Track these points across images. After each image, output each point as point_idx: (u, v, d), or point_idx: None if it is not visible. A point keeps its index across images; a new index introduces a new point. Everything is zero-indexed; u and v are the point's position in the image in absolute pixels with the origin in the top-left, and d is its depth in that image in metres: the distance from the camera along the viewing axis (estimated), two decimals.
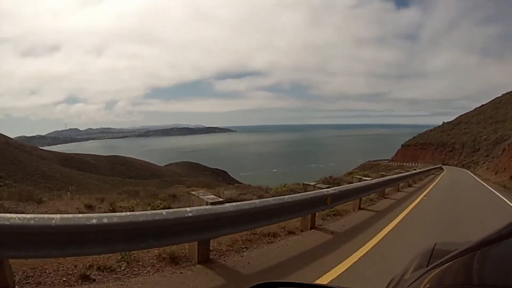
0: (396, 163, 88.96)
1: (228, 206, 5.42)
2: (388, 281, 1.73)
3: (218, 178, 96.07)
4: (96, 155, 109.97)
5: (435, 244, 1.93)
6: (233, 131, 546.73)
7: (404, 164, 78.80)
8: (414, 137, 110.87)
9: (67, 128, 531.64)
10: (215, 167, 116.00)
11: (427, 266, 1.42)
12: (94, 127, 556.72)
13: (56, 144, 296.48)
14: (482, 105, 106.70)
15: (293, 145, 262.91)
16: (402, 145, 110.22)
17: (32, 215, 3.77)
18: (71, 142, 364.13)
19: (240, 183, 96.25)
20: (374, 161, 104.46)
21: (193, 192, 6.21)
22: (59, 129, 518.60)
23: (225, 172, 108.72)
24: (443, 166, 60.05)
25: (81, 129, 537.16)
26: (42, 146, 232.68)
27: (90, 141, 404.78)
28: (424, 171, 30.75)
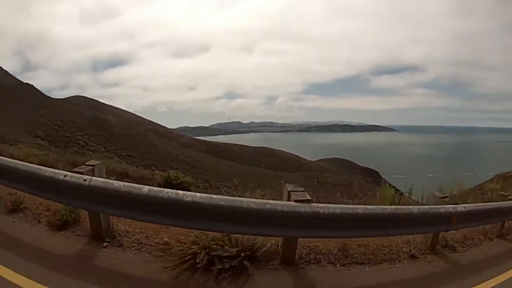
0: None
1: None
2: None
3: (368, 178, 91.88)
4: (244, 145, 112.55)
5: None
6: (394, 130, 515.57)
7: None
8: None
9: (230, 121, 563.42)
10: (367, 166, 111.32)
11: None
12: (256, 121, 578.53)
13: (217, 135, 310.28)
14: None
15: (453, 149, 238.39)
16: None
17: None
18: (232, 134, 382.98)
19: (391, 185, 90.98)
20: None
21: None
22: (222, 122, 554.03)
23: (377, 172, 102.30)
24: None
25: (243, 122, 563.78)
26: (204, 136, 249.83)
27: (251, 133, 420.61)
28: None
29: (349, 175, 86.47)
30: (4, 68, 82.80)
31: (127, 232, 5.61)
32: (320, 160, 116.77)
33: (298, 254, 5.43)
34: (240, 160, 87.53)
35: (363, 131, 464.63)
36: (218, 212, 4.61)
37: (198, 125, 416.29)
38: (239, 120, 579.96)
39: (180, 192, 4.73)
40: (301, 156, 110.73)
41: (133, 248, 5.25)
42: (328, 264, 5.45)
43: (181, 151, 72.78)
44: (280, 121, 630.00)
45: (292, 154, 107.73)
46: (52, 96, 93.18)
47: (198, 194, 4.73)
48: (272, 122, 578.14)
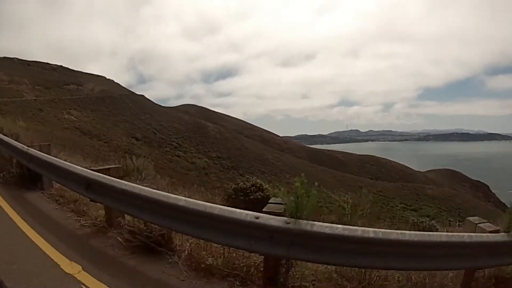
0: None
1: None
2: None
3: (478, 192, 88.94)
4: (348, 153, 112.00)
5: None
6: None
7: None
8: None
9: (348, 129, 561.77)
10: (478, 179, 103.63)
11: None
12: (375, 129, 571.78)
13: (334, 143, 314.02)
14: None
15: None
16: None
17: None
18: (350, 142, 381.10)
19: (501, 202, 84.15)
20: None
21: None
22: (340, 130, 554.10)
23: (487, 186, 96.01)
24: None
25: (362, 130, 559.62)
26: (321, 144, 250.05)
27: (370, 142, 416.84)
28: None
29: (455, 188, 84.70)
30: (118, 81, 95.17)
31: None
32: (429, 171, 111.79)
33: None
34: (342, 168, 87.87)
35: (482, 140, 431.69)
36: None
37: (316, 133, 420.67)
38: (357, 129, 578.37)
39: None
40: (410, 166, 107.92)
41: None
42: None
43: (274, 155, 75.41)
44: (399, 130, 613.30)
45: (399, 164, 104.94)
46: (166, 105, 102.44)
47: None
48: (390, 131, 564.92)
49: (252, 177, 13.99)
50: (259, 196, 10.93)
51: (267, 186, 12.28)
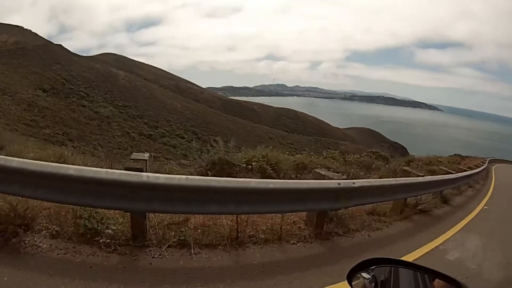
0: None
1: None
2: None
3: (395, 152, 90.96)
4: (266, 105, 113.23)
5: None
6: (438, 109, 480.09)
7: None
8: None
9: (275, 83, 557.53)
10: (396, 141, 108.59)
11: None
12: (301, 85, 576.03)
13: (259, 96, 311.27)
14: None
15: (498, 139, 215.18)
16: None
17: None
18: (276, 96, 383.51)
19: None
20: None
21: None
22: (266, 83, 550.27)
23: (405, 148, 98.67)
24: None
25: (288, 85, 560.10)
26: (246, 96, 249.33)
27: (295, 97, 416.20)
28: None
29: (372, 147, 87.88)
30: (37, 32, 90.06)
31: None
32: (349, 128, 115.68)
33: None
34: (257, 120, 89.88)
35: (407, 107, 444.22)
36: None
37: (242, 86, 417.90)
38: (284, 83, 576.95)
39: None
40: (330, 123, 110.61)
41: None
42: None
43: (184, 104, 76.60)
44: (326, 88, 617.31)
45: (317, 119, 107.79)
46: (88, 55, 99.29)
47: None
48: (317, 88, 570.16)
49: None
50: None
51: None
